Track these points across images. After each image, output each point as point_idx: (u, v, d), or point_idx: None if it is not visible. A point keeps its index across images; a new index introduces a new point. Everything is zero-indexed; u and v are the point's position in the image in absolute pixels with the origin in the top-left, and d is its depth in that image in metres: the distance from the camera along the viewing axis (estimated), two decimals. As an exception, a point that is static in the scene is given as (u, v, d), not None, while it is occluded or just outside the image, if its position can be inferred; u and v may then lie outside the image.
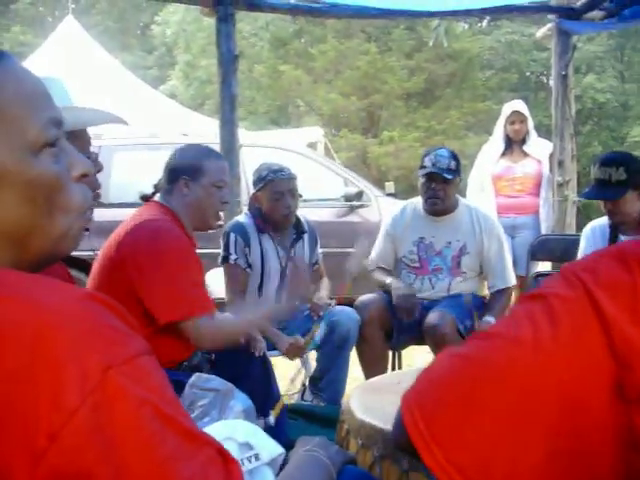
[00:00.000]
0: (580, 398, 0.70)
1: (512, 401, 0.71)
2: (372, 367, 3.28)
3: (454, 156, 3.36)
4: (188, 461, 0.68)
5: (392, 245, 3.56)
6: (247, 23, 17.76)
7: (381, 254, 3.59)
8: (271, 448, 1.39)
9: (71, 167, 0.84)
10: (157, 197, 2.47)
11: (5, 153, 0.76)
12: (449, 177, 3.29)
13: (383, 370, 3.28)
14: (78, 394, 0.64)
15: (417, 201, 3.52)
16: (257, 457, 1.35)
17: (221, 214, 2.52)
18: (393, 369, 3.44)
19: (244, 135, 5.04)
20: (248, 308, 2.66)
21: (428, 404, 0.77)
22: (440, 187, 3.33)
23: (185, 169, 2.41)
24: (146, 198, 2.48)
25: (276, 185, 3.20)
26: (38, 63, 9.74)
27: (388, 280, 3.45)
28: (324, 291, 3.44)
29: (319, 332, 3.17)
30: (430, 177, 3.34)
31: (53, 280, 0.75)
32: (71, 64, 9.54)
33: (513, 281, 3.48)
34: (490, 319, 3.19)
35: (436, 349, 3.18)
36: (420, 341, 3.37)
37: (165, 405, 0.69)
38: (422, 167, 3.37)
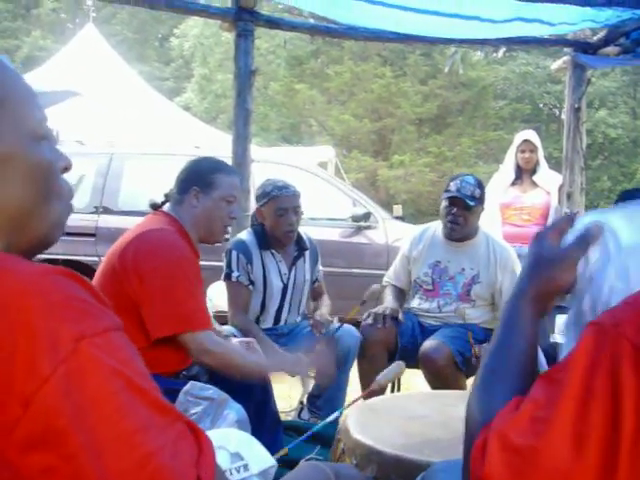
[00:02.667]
0: None
1: None
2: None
3: (480, 184, 3.37)
4: (159, 432, 0.70)
5: (408, 266, 3.58)
6: (265, 40, 17.91)
7: (396, 273, 3.64)
8: (262, 460, 1.39)
9: (58, 160, 0.89)
10: (166, 206, 2.47)
11: (13, 139, 0.81)
12: (471, 204, 3.29)
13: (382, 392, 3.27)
14: (50, 362, 0.66)
15: (437, 225, 3.53)
16: (246, 468, 1.35)
17: (228, 228, 2.53)
18: (392, 391, 3.43)
19: (255, 151, 5.07)
20: (269, 351, 2.60)
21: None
22: (461, 213, 3.33)
23: (197, 180, 2.41)
24: (156, 207, 2.49)
25: (280, 201, 3.21)
26: (56, 68, 9.85)
27: (386, 303, 3.47)
28: (325, 308, 3.45)
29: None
30: (452, 202, 3.34)
31: (22, 258, 0.77)
32: (88, 71, 9.63)
33: None
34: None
35: (430, 378, 3.17)
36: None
37: (137, 378, 0.71)
38: (446, 190, 3.38)
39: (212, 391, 2.05)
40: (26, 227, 0.84)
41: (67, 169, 0.90)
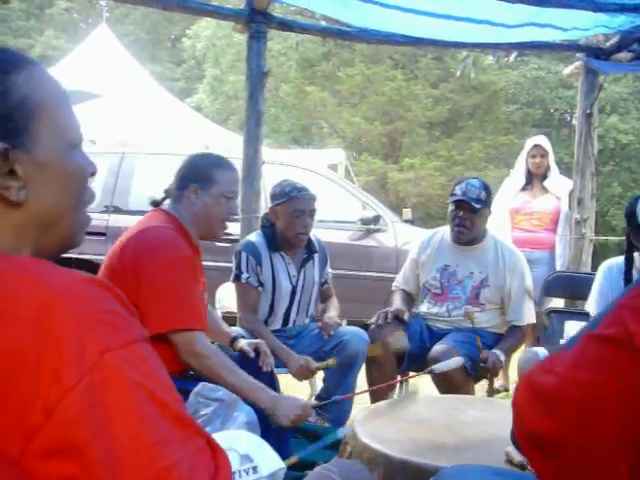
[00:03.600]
0: None
1: None
2: (379, 391, 3.26)
3: (485, 187, 3.36)
4: (178, 446, 0.70)
5: (416, 270, 3.58)
6: (277, 42, 17.92)
7: (405, 278, 3.64)
8: (272, 462, 1.39)
9: (88, 166, 0.92)
10: (166, 203, 2.47)
11: (52, 146, 0.83)
12: (477, 207, 3.29)
13: (390, 395, 3.26)
14: (76, 372, 0.67)
15: (446, 229, 3.52)
16: (255, 470, 1.35)
17: (227, 224, 2.49)
18: (399, 396, 3.42)
19: (266, 152, 5.08)
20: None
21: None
22: (467, 216, 3.33)
23: (196, 177, 2.40)
24: (156, 203, 2.48)
25: (299, 203, 3.23)
26: (69, 67, 9.89)
27: (394, 305, 3.47)
28: (333, 311, 3.45)
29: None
30: (458, 205, 3.34)
31: (56, 265, 0.79)
32: (101, 71, 9.67)
33: (531, 319, 3.44)
34: (497, 352, 3.17)
35: (438, 382, 3.16)
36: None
37: (160, 391, 0.72)
38: (452, 194, 3.38)
39: (222, 392, 2.05)
40: (55, 231, 0.86)
41: (93, 174, 0.93)
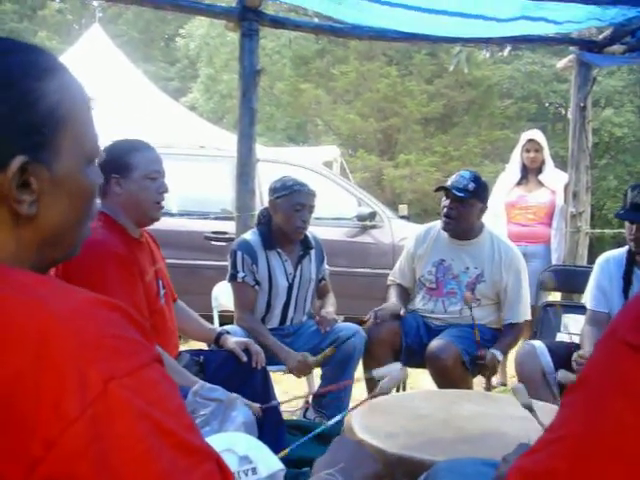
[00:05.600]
0: None
1: None
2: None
3: (476, 179, 3.35)
4: (182, 477, 0.68)
5: (412, 264, 3.58)
6: (270, 40, 17.90)
7: (401, 271, 3.64)
8: (270, 463, 1.39)
9: (99, 181, 0.91)
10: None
11: (71, 161, 0.82)
12: (459, 194, 3.28)
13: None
14: (79, 404, 0.64)
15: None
16: (254, 471, 1.35)
17: (162, 203, 2.43)
18: (397, 391, 3.42)
19: (261, 150, 5.06)
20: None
21: None
22: (453, 205, 3.33)
23: (114, 167, 2.32)
24: None
25: (300, 196, 3.23)
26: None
27: (390, 301, 3.47)
28: (331, 307, 3.44)
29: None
30: (446, 194, 3.36)
31: (63, 283, 0.76)
32: (94, 71, 9.64)
33: (526, 316, 3.44)
34: (495, 352, 3.17)
35: (437, 377, 3.17)
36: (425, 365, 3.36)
37: (167, 418, 0.69)
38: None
39: (220, 392, 2.04)
40: (60, 243, 0.85)
41: (100, 188, 0.93)
